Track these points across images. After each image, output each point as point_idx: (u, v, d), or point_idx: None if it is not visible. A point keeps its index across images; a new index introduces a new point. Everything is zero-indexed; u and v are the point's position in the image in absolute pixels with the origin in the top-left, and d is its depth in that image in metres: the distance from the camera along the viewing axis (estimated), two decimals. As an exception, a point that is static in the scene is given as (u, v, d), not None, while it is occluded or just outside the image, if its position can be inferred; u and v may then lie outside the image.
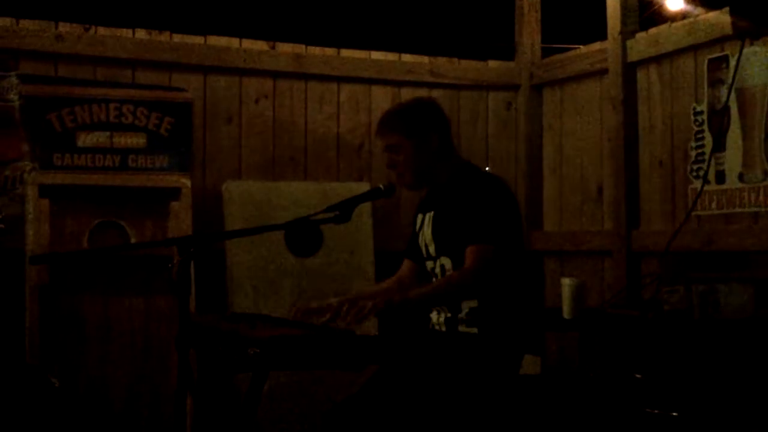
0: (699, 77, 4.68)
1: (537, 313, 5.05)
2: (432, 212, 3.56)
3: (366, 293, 3.71)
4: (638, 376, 3.96)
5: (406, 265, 3.74)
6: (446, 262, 3.48)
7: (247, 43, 5.31)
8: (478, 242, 3.33)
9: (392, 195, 3.57)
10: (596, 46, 5.36)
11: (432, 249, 3.54)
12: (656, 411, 3.81)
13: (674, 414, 3.77)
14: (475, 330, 3.39)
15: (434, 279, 3.55)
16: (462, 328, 3.42)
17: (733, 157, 4.48)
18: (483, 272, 3.32)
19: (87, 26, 4.98)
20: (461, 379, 3.29)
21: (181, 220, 4.75)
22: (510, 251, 3.41)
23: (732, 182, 4.48)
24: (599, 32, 5.27)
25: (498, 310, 3.40)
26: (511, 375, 3.45)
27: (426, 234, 3.56)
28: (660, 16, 5.79)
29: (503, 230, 3.38)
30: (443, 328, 3.47)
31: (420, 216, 3.65)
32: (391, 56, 5.62)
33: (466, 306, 3.41)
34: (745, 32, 4.33)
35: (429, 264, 3.58)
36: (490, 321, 3.38)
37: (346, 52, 5.52)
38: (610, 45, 5.14)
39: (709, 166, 4.55)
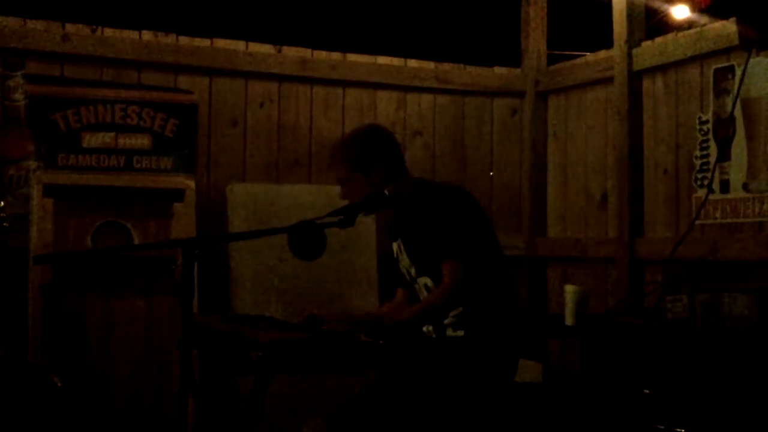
0: (705, 87, 4.68)
1: (539, 319, 5.05)
2: (401, 239, 3.60)
3: (371, 313, 3.75)
4: (647, 391, 3.95)
5: (400, 293, 3.77)
6: (427, 281, 3.52)
7: (253, 47, 5.31)
8: (448, 258, 3.36)
9: (397, 202, 3.57)
10: (602, 54, 5.36)
11: (413, 272, 3.58)
12: (661, 426, 3.80)
13: (680, 430, 3.77)
14: (461, 333, 3.42)
15: (420, 297, 3.58)
16: (449, 332, 3.44)
17: (737, 167, 4.48)
18: (458, 286, 3.35)
19: (93, 27, 4.99)
20: (454, 384, 3.30)
21: (184, 221, 4.75)
22: (482, 257, 3.43)
23: (736, 192, 4.48)
24: (605, 40, 5.27)
25: (483, 312, 3.42)
26: (504, 377, 3.46)
27: (404, 260, 3.61)
28: (666, 25, 5.78)
29: (468, 240, 3.40)
30: (433, 334, 3.49)
31: (394, 245, 3.69)
32: (396, 61, 5.63)
33: (451, 312, 3.43)
34: (751, 42, 4.34)
35: (416, 286, 3.62)
36: (476, 323, 3.40)
37: (351, 57, 5.53)
38: (616, 53, 5.14)
39: (713, 175, 4.56)
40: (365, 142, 3.61)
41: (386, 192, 3.54)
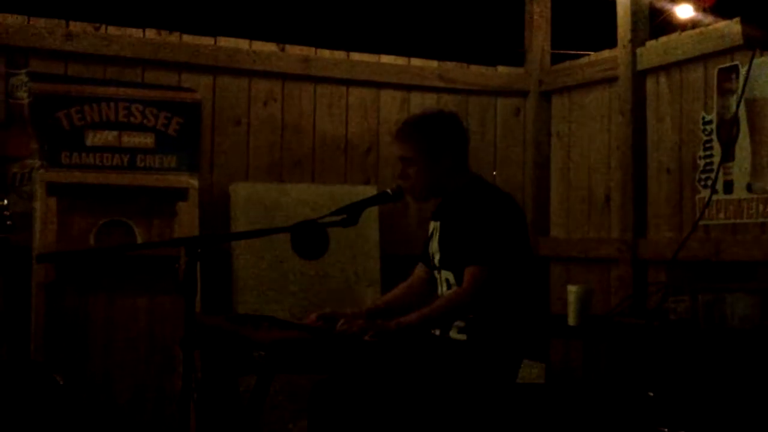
0: (708, 87, 4.67)
1: (542, 319, 5.05)
2: (439, 223, 3.57)
3: (378, 305, 3.75)
4: (651, 394, 3.94)
5: (420, 268, 3.75)
6: (449, 276, 3.49)
7: (257, 45, 5.31)
8: (475, 263, 3.34)
9: (400, 199, 3.58)
10: (606, 53, 5.35)
11: (437, 259, 3.56)
12: (665, 429, 3.79)
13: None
14: (464, 337, 3.41)
15: (439, 289, 3.56)
16: (454, 334, 3.43)
17: (741, 168, 4.47)
18: (477, 294, 3.34)
19: (97, 25, 4.99)
20: (449, 384, 3.30)
21: (188, 220, 4.76)
22: (510, 268, 3.40)
23: (740, 192, 4.47)
24: (609, 40, 5.26)
25: (492, 322, 3.40)
26: (502, 383, 3.45)
27: (434, 244, 3.58)
28: (670, 25, 5.77)
29: (502, 250, 3.38)
30: (437, 332, 3.48)
31: (432, 224, 3.66)
32: (400, 60, 5.63)
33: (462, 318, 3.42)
34: (756, 42, 4.32)
35: (435, 273, 3.60)
36: (483, 330, 3.39)
37: (355, 56, 5.53)
38: (619, 53, 5.14)
39: (717, 175, 4.54)
40: (441, 129, 3.55)
41: (389, 191, 3.54)
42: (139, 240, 4.73)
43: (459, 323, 3.41)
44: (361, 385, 3.28)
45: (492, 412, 3.37)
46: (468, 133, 3.65)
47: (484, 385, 3.37)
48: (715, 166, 4.57)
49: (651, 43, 5.03)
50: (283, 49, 5.36)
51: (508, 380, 3.47)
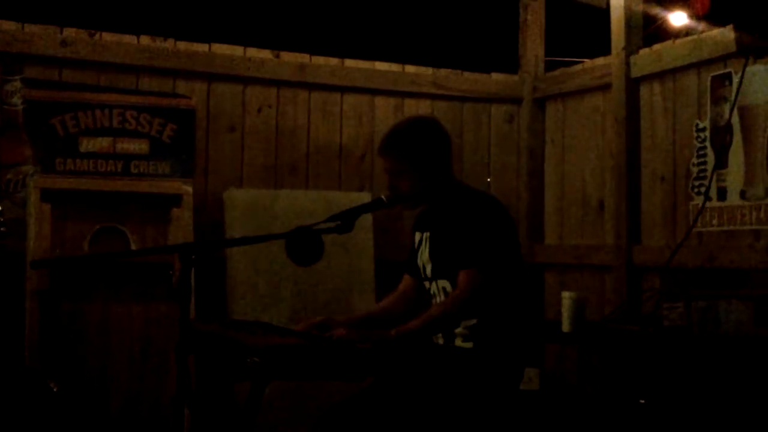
0: (702, 94, 4.69)
1: (536, 326, 5.06)
2: (428, 233, 3.56)
3: (372, 313, 3.74)
4: (642, 401, 3.95)
5: (407, 280, 3.72)
6: (446, 284, 3.47)
7: (252, 52, 5.32)
8: (467, 267, 3.34)
9: (394, 206, 3.57)
10: (600, 61, 5.37)
11: (429, 270, 3.54)
12: None
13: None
14: (470, 345, 3.40)
15: (433, 300, 3.54)
16: (458, 342, 3.42)
17: (735, 175, 4.49)
18: (471, 298, 3.33)
19: (92, 32, 4.99)
20: (455, 394, 3.29)
21: (182, 226, 4.75)
22: (504, 271, 3.40)
23: (734, 199, 4.48)
24: (603, 47, 5.28)
25: (496, 327, 3.40)
26: (508, 391, 3.44)
27: (423, 254, 3.56)
28: (664, 32, 5.79)
29: (493, 253, 3.37)
30: (441, 341, 3.47)
31: (418, 234, 3.64)
32: (394, 67, 5.63)
33: (464, 323, 3.41)
34: (749, 49, 4.34)
35: (426, 284, 3.58)
36: (488, 337, 3.38)
37: (349, 63, 5.54)
38: (613, 60, 5.15)
39: (710, 182, 4.56)
40: (425, 138, 3.52)
41: (384, 198, 3.53)
42: (134, 246, 4.73)
43: (463, 330, 3.40)
44: (368, 406, 3.28)
45: (500, 421, 3.36)
46: (448, 136, 3.61)
47: (494, 393, 3.36)
48: (708, 173, 4.59)
49: (645, 51, 5.04)
50: (277, 56, 5.37)
51: (514, 388, 3.46)
